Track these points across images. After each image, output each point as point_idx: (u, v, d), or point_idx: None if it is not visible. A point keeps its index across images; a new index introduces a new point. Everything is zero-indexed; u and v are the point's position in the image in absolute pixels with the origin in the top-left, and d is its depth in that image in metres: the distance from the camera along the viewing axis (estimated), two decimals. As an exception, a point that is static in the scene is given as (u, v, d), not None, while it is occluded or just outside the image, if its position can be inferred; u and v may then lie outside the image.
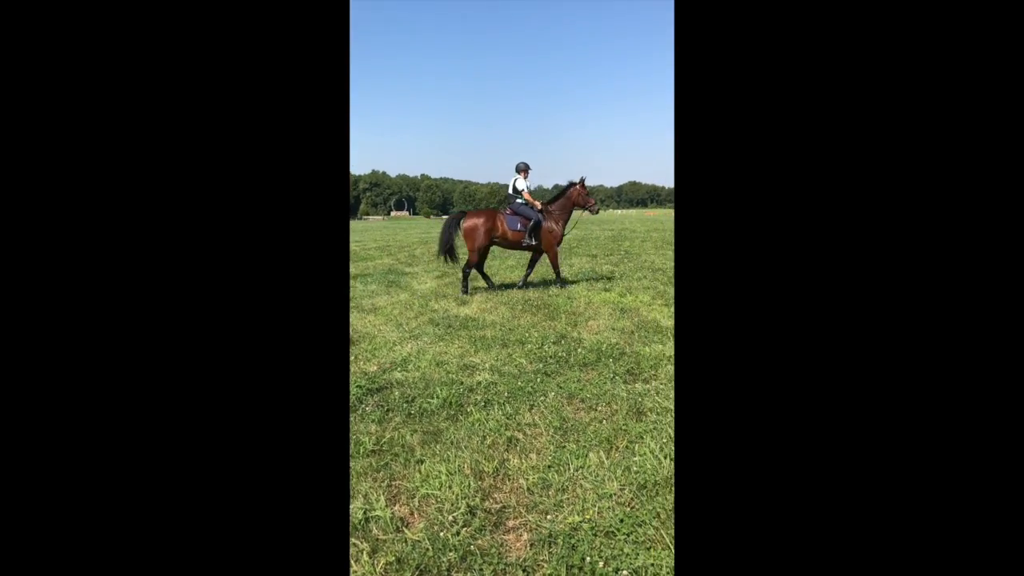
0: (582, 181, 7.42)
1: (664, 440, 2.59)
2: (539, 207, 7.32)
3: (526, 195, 7.28)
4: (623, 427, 2.77)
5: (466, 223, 7.06)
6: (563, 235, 7.43)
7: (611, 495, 2.13)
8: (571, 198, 7.37)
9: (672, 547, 1.80)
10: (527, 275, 7.87)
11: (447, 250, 7.15)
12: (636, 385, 3.42)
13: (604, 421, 2.87)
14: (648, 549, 1.81)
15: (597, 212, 7.69)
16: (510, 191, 7.44)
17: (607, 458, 2.44)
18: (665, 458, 2.40)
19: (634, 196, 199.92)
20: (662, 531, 1.89)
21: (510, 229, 7.10)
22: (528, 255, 8.72)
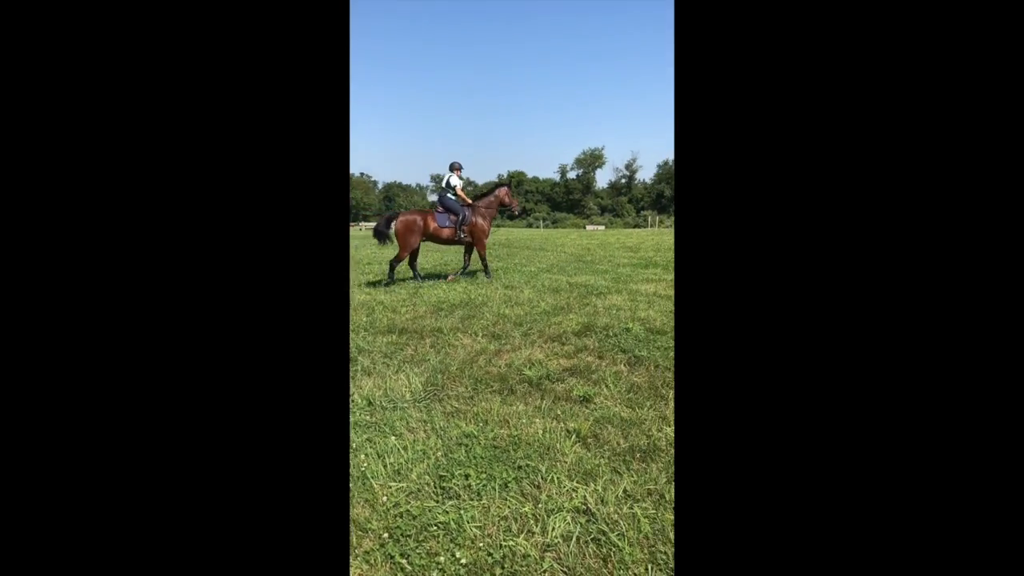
0: (509, 183, 8.15)
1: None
2: (469, 203, 7.72)
3: (459, 192, 7.69)
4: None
5: (398, 223, 7.37)
6: (488, 231, 7.93)
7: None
8: (499, 197, 7.91)
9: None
10: (465, 265, 8.28)
11: (382, 238, 7.52)
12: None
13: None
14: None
15: (518, 213, 8.42)
16: (443, 185, 7.82)
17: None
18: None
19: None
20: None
21: (440, 226, 7.51)
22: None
